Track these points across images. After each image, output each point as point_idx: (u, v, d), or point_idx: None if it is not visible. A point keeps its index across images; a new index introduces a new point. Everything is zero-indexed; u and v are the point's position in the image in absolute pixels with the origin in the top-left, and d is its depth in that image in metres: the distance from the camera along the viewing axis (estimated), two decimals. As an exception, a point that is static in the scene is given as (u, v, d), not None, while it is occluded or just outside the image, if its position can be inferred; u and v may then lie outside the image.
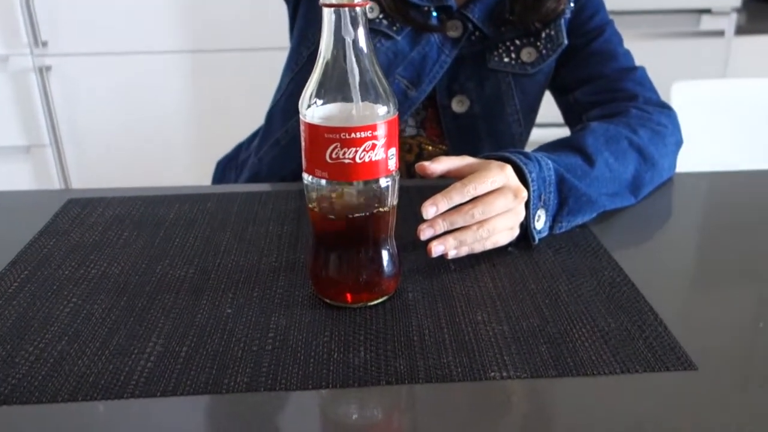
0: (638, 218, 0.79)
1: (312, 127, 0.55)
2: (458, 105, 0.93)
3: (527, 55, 0.91)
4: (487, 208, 0.64)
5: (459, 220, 0.64)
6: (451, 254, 0.65)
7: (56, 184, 2.07)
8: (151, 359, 0.54)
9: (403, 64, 0.88)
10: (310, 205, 0.59)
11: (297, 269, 0.67)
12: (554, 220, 0.72)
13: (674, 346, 0.54)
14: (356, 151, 0.54)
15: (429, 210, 0.62)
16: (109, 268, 0.68)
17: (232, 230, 0.76)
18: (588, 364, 0.52)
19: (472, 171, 0.65)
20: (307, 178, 0.58)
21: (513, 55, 0.91)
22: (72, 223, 0.78)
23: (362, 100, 0.55)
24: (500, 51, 0.91)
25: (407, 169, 0.98)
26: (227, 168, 1.19)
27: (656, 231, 0.79)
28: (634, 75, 0.89)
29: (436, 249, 0.63)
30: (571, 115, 0.94)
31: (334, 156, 0.55)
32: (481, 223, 0.64)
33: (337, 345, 0.55)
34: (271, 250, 0.71)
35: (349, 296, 0.60)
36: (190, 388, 0.51)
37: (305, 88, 0.56)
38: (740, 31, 1.91)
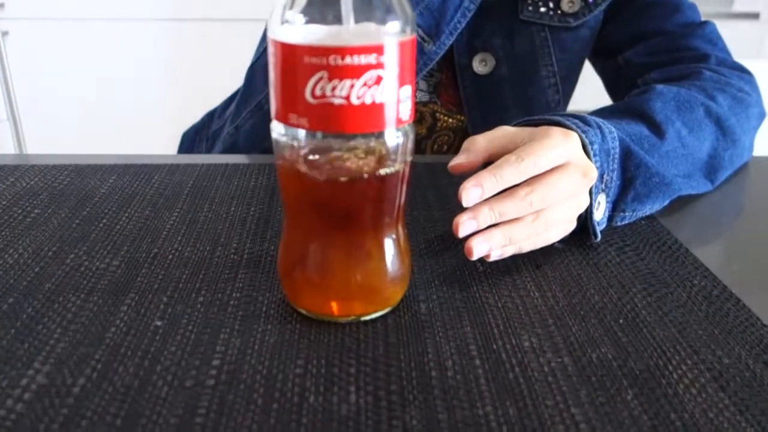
0: (712, 209, 0.60)
1: (286, 49, 0.36)
2: (481, 65, 0.74)
3: (569, 4, 0.72)
4: (549, 192, 0.45)
5: (512, 210, 0.45)
6: (495, 255, 0.46)
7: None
8: (25, 397, 0.35)
9: (418, 9, 0.69)
10: (280, 173, 0.40)
11: (263, 265, 0.48)
12: (615, 207, 0.53)
13: (826, 396, 0.36)
14: (352, 86, 0.35)
15: (471, 193, 0.43)
16: (2, 256, 0.48)
17: (181, 211, 0.56)
18: (702, 422, 0.34)
19: (521, 143, 0.47)
20: (276, 128, 0.39)
21: (551, 4, 0.72)
22: (-32, 194, 0.58)
23: (363, 17, 0.36)
24: None
25: (417, 143, 0.78)
26: (196, 140, 1.00)
27: (740, 224, 0.60)
28: (703, 31, 0.71)
29: (479, 248, 0.44)
30: (619, 83, 0.76)
31: (318, 93, 0.36)
32: (537, 212, 0.46)
33: (315, 382, 0.36)
34: (230, 238, 0.52)
35: (335, 306, 0.41)
36: (74, 451, 0.32)
37: (277, -5, 0.37)
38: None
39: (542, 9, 0.73)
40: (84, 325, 0.41)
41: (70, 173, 0.64)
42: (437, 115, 0.78)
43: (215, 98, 1.01)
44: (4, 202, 0.57)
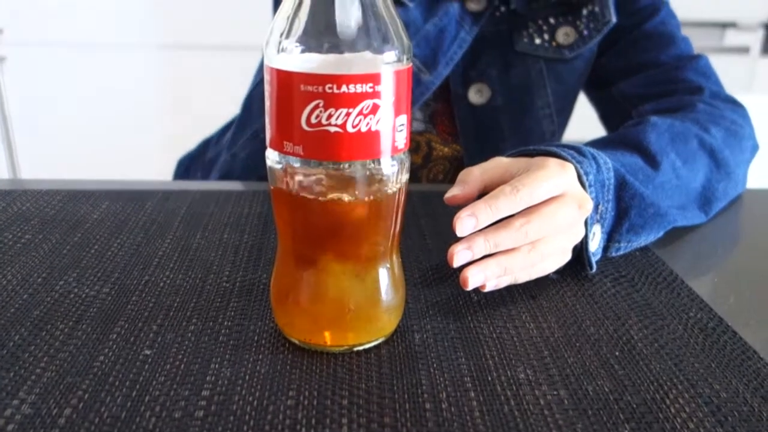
0: (707, 241, 0.60)
1: (282, 76, 0.36)
2: (477, 95, 0.75)
3: (564, 36, 0.72)
4: (545, 223, 0.45)
5: (508, 241, 0.44)
6: (490, 286, 0.45)
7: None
8: (9, 428, 0.34)
9: (415, 39, 0.69)
10: (274, 198, 0.40)
11: (256, 294, 0.47)
12: (610, 238, 0.53)
13: (826, 432, 0.35)
14: (348, 114, 0.35)
15: (466, 223, 0.43)
16: (-10, 283, 0.48)
17: (174, 237, 0.56)
18: (701, 460, 0.33)
19: (517, 173, 0.47)
20: (271, 156, 0.39)
21: (546, 36, 0.73)
22: (-42, 219, 0.58)
23: (360, 46, 0.36)
24: (530, 31, 0.73)
25: (412, 173, 0.79)
26: (191, 168, 0.99)
27: (735, 256, 0.60)
28: (697, 64, 0.71)
29: (474, 279, 0.44)
30: (613, 114, 0.76)
31: (313, 121, 0.35)
32: (533, 243, 0.45)
33: (307, 414, 0.36)
34: (222, 266, 0.51)
35: (327, 336, 0.40)
36: (57, 485, 0.31)
37: (273, 23, 0.37)
38: None
39: (537, 41, 0.73)
40: (72, 353, 0.40)
41: (62, 198, 0.63)
42: (433, 144, 0.78)
43: (211, 126, 1.02)
44: (-5, 228, 0.56)
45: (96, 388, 0.37)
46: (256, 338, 0.42)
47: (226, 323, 0.43)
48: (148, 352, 0.40)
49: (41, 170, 1.88)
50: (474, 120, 0.75)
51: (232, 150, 0.86)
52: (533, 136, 0.75)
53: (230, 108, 1.05)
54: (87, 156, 1.85)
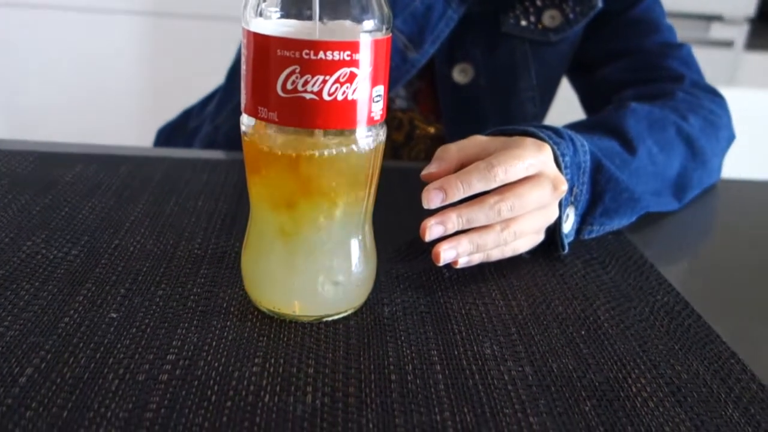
0: (679, 226, 0.61)
1: (258, 40, 0.35)
2: (460, 75, 0.74)
3: (550, 18, 0.72)
4: (519, 202, 0.45)
5: (481, 217, 0.44)
6: (462, 262, 0.46)
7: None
8: (-31, 386, 0.33)
9: (402, 16, 0.68)
10: (246, 163, 0.39)
11: (227, 261, 0.47)
12: (583, 220, 0.53)
13: (781, 415, 0.36)
14: (324, 82, 0.35)
15: (433, 197, 0.43)
16: (-45, 240, 0.47)
17: (147, 202, 0.55)
18: (658, 438, 0.34)
19: (494, 151, 0.46)
20: (246, 121, 0.38)
21: (532, 18, 0.73)
22: (-75, 176, 0.56)
23: (340, 14, 0.35)
24: (517, 12, 0.73)
25: (394, 150, 0.78)
26: (172, 138, 0.98)
27: (707, 244, 0.61)
28: (680, 52, 0.72)
29: (446, 254, 0.44)
30: (594, 99, 0.76)
31: (289, 87, 0.35)
32: (507, 222, 0.45)
33: (272, 381, 0.36)
34: (195, 232, 0.51)
35: (297, 305, 0.40)
36: (15, 442, 0.30)
37: (252, -15, 0.36)
38: (752, 45, 1.76)
39: (523, 23, 0.73)
40: (36, 314, 0.39)
41: (35, 160, 0.62)
42: (415, 122, 0.78)
43: (192, 96, 1.00)
44: (-37, 186, 0.55)
45: (59, 349, 0.37)
46: (224, 305, 0.42)
47: (195, 290, 0.43)
48: (114, 315, 0.40)
49: (16, 133, 1.84)
50: (457, 99, 0.75)
51: (215, 122, 0.85)
52: (515, 118, 0.75)
53: (211, 78, 1.04)
54: (63, 120, 1.82)
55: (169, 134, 0.99)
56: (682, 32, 0.84)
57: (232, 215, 0.54)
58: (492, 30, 0.74)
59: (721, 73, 1.72)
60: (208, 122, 0.87)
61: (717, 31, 1.70)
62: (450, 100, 0.75)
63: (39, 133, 1.76)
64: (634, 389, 0.37)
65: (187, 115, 0.98)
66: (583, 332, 0.42)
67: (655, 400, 0.36)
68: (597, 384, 0.37)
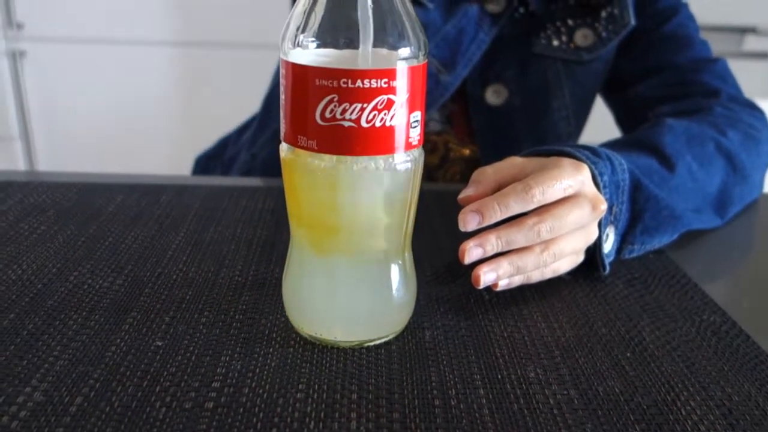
0: (721, 243, 0.60)
1: (297, 71, 0.36)
2: (494, 96, 0.74)
3: (582, 38, 0.72)
4: (558, 223, 0.45)
5: (520, 239, 0.44)
6: (502, 284, 0.45)
7: (24, 182, 1.88)
8: (21, 415, 0.34)
9: (434, 40, 0.69)
10: (286, 190, 0.40)
11: (268, 288, 0.48)
12: (623, 240, 0.53)
13: (840, 438, 0.35)
14: (362, 110, 0.35)
15: (470, 219, 0.43)
16: (5, 272, 0.48)
17: (188, 231, 0.56)
18: (711, 463, 0.33)
19: (531, 172, 0.46)
20: (285, 150, 0.39)
21: (564, 38, 0.73)
22: (-25, 210, 0.58)
23: (376, 42, 0.36)
24: (549, 32, 0.73)
25: (429, 173, 0.78)
26: (209, 166, 0.99)
27: (750, 261, 0.60)
28: (715, 66, 0.71)
29: (486, 277, 0.44)
30: (629, 116, 0.76)
31: (328, 115, 0.36)
32: (546, 243, 0.45)
33: (316, 408, 0.36)
34: (235, 260, 0.52)
35: (338, 331, 0.41)
36: (67, 471, 0.31)
37: (289, 18, 0.37)
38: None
39: (555, 43, 0.73)
40: (84, 343, 0.40)
41: (78, 191, 0.64)
42: (450, 145, 0.78)
43: (228, 125, 1.02)
44: (11, 218, 0.57)
45: (107, 377, 0.37)
46: (267, 332, 0.42)
47: (237, 316, 0.44)
48: (159, 343, 0.41)
49: (58, 164, 1.90)
50: (491, 121, 0.75)
51: (252, 150, 0.86)
52: (550, 138, 0.75)
53: (247, 106, 1.06)
54: (103, 151, 1.87)
55: (206, 162, 1.01)
56: (716, 45, 0.84)
57: (271, 242, 0.55)
58: (524, 50, 0.74)
59: (757, 86, 1.69)
60: (245, 151, 0.89)
61: (751, 43, 1.68)
62: (483, 121, 0.76)
63: (80, 165, 1.81)
64: (683, 412, 0.36)
65: (224, 143, 1.00)
66: (628, 354, 0.41)
67: (706, 423, 0.36)
68: (645, 407, 0.37)
